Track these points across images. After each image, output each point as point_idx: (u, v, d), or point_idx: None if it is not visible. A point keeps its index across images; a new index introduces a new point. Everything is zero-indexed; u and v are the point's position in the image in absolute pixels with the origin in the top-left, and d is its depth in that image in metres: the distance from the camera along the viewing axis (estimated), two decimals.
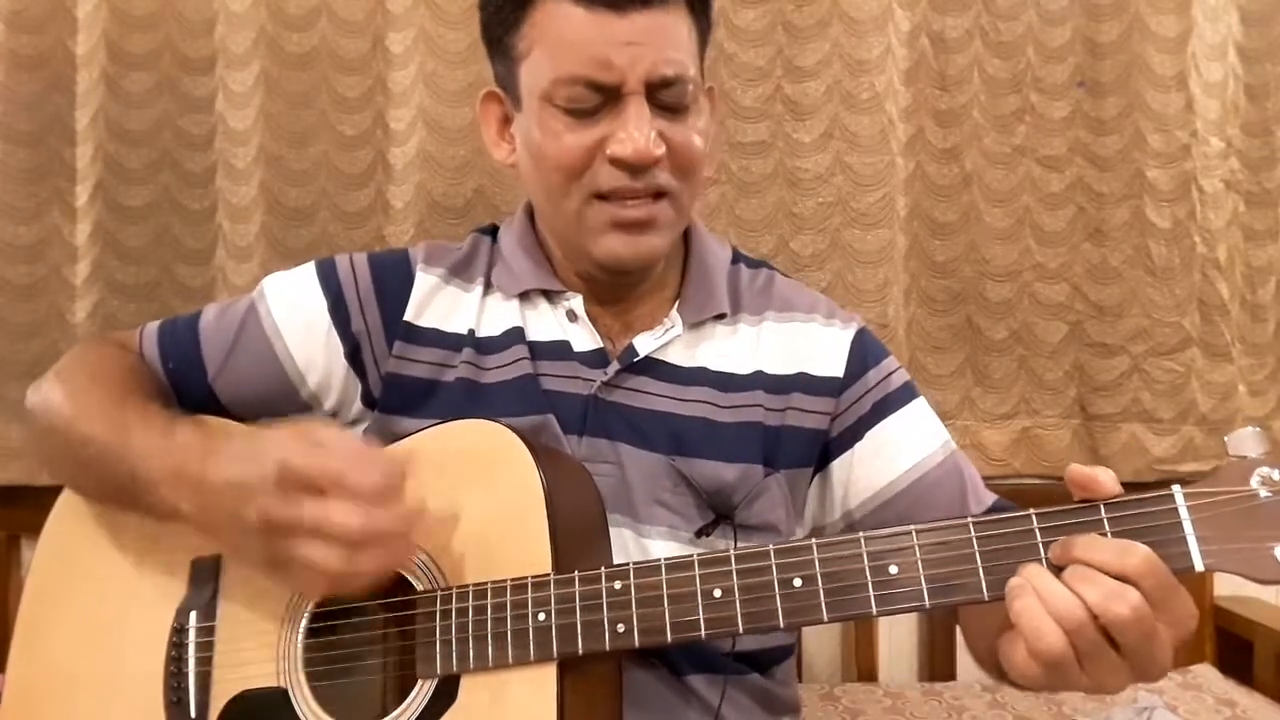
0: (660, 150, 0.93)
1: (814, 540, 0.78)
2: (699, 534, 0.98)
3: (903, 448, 1.03)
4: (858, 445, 1.03)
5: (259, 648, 0.90)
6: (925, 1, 1.76)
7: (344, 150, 1.69)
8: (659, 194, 0.95)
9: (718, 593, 0.79)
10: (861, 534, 0.77)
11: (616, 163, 0.93)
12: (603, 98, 0.92)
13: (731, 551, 0.80)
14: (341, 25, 1.68)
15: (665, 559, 0.82)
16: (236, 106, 1.66)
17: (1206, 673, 1.71)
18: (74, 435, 0.94)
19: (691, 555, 0.81)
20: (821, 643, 1.80)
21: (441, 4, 1.68)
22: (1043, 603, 0.68)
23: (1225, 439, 0.72)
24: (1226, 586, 1.77)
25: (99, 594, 0.98)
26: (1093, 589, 0.68)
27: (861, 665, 1.77)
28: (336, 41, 1.68)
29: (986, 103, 1.77)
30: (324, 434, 0.81)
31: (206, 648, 0.92)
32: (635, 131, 0.91)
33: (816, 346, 1.05)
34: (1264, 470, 0.69)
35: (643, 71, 0.91)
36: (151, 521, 0.90)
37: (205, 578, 0.93)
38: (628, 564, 0.83)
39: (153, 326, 1.07)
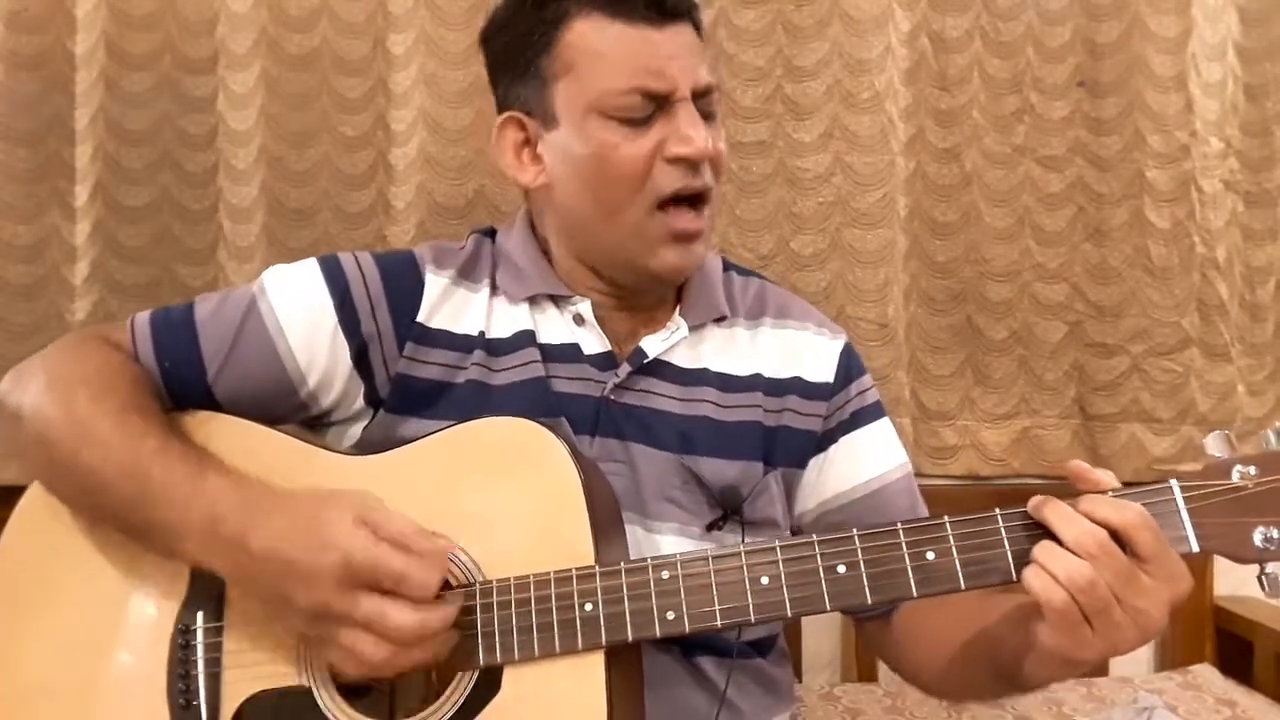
0: (713, 148, 0.99)
1: (855, 531, 0.84)
2: (709, 528, 1.01)
3: (869, 458, 1.10)
4: (831, 448, 1.09)
5: (276, 646, 0.89)
6: (925, 1, 1.76)
7: (345, 151, 1.68)
8: (702, 200, 1.00)
9: (765, 579, 0.84)
10: (900, 524, 0.83)
11: (677, 162, 0.98)
12: (654, 106, 0.98)
13: (777, 543, 0.85)
14: (342, 26, 1.68)
15: (711, 551, 0.86)
16: (237, 107, 1.65)
17: (1206, 673, 1.71)
18: (77, 463, 0.90)
19: (737, 547, 0.86)
20: (821, 643, 1.80)
21: (442, 5, 1.68)
22: (1044, 568, 0.77)
23: (1204, 442, 0.84)
24: (1226, 586, 1.77)
25: (81, 597, 0.93)
26: (1069, 528, 0.77)
27: (861, 665, 1.77)
28: (337, 42, 1.68)
29: (986, 103, 1.77)
30: (382, 518, 0.83)
31: (215, 648, 0.91)
32: (692, 131, 0.97)
33: (810, 353, 1.10)
34: (1240, 467, 0.81)
35: (690, 79, 0.98)
36: None
37: (210, 576, 0.90)
38: (674, 555, 0.86)
39: (143, 320, 1.02)
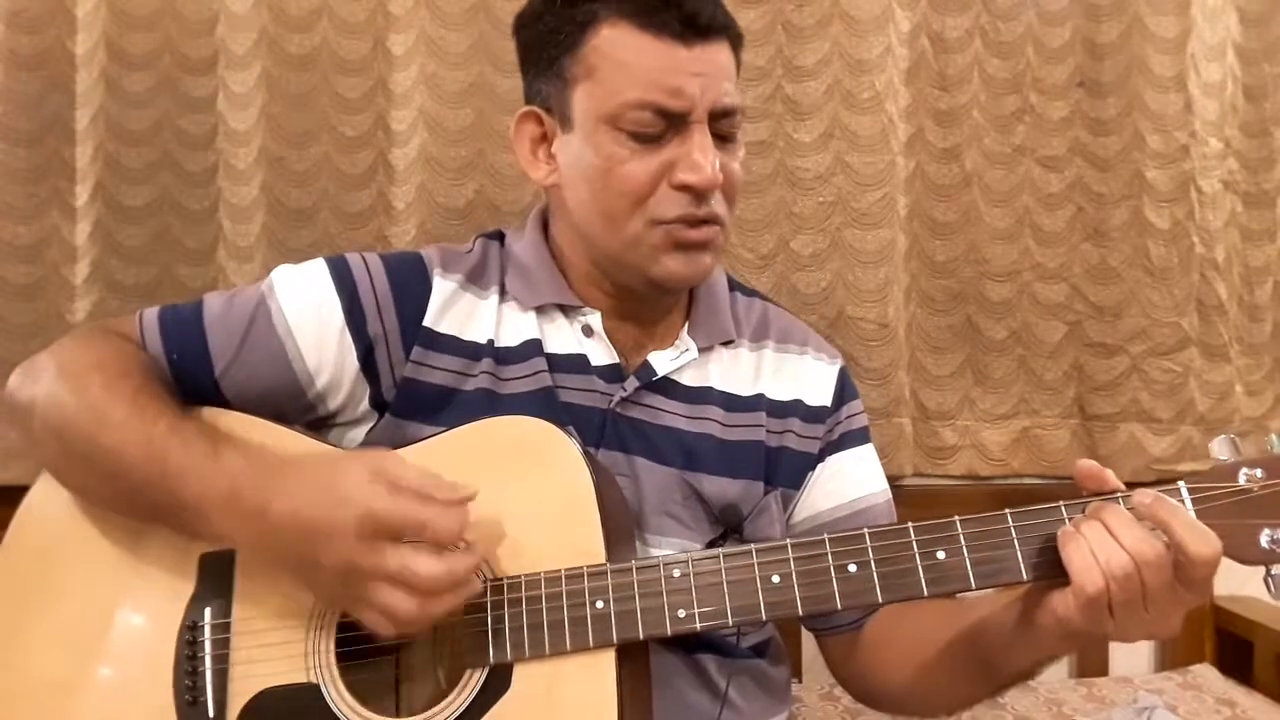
0: (721, 178, 0.97)
1: (866, 529, 0.86)
2: (709, 546, 1.01)
3: (853, 480, 1.11)
4: (819, 466, 1.10)
5: (283, 643, 0.89)
6: (925, 1, 1.77)
7: (345, 151, 1.68)
8: (711, 220, 0.98)
9: (776, 578, 0.85)
10: (910, 524, 0.84)
11: (683, 189, 0.96)
12: (667, 124, 0.96)
13: (788, 541, 0.86)
14: (342, 26, 1.68)
15: (723, 549, 0.87)
16: (237, 107, 1.65)
17: (1206, 673, 1.72)
18: (97, 447, 0.90)
19: (749, 546, 0.87)
20: None
21: (442, 5, 1.68)
22: (1091, 549, 0.78)
23: (1210, 445, 0.85)
24: (1226, 586, 1.77)
25: (87, 593, 0.93)
26: (1129, 532, 0.78)
27: None
28: (338, 42, 1.68)
29: (986, 103, 1.78)
30: (399, 470, 0.83)
31: (223, 644, 0.91)
32: (701, 159, 0.95)
33: (810, 378, 1.12)
34: (1247, 470, 0.83)
35: (709, 101, 0.96)
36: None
37: (217, 572, 0.91)
38: (685, 553, 0.87)
39: (152, 315, 1.02)
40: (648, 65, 0.95)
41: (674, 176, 0.96)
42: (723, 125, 0.98)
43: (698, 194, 0.96)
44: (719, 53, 0.98)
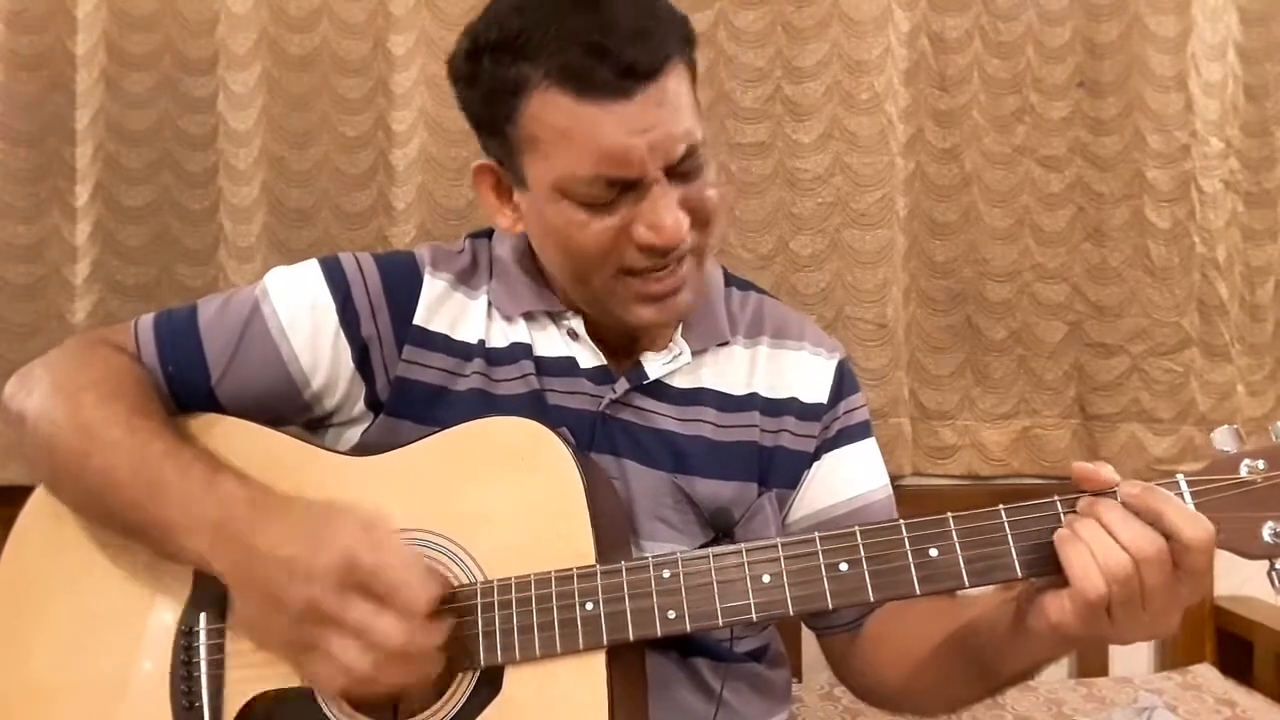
0: (686, 225, 0.92)
1: (857, 527, 0.84)
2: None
3: (852, 477, 1.09)
4: (815, 464, 1.08)
5: None
6: (925, 2, 1.77)
7: (345, 151, 1.69)
8: (682, 261, 0.95)
9: (766, 578, 0.84)
10: (902, 521, 0.82)
11: (646, 249, 0.92)
12: (622, 188, 0.90)
13: (778, 540, 0.85)
14: (343, 27, 1.68)
15: (713, 549, 0.85)
16: (238, 107, 1.66)
17: (1206, 673, 1.72)
18: (87, 466, 0.90)
19: (739, 545, 0.85)
20: None
21: (443, 6, 1.68)
22: (1090, 550, 0.76)
23: (1211, 436, 0.82)
24: (1226, 586, 1.77)
25: (85, 599, 0.94)
26: (1127, 528, 0.76)
27: None
28: (338, 43, 1.68)
29: (986, 103, 1.78)
30: (388, 532, 0.83)
31: (218, 649, 0.91)
32: (662, 217, 0.90)
33: (806, 374, 1.09)
34: (1249, 461, 0.79)
35: (661, 157, 0.89)
36: None
37: (213, 578, 0.89)
38: (675, 553, 0.86)
39: (147, 323, 1.02)
40: (588, 133, 0.88)
41: (636, 235, 0.91)
42: (682, 168, 0.91)
43: (663, 252, 0.92)
44: (664, 89, 0.89)
